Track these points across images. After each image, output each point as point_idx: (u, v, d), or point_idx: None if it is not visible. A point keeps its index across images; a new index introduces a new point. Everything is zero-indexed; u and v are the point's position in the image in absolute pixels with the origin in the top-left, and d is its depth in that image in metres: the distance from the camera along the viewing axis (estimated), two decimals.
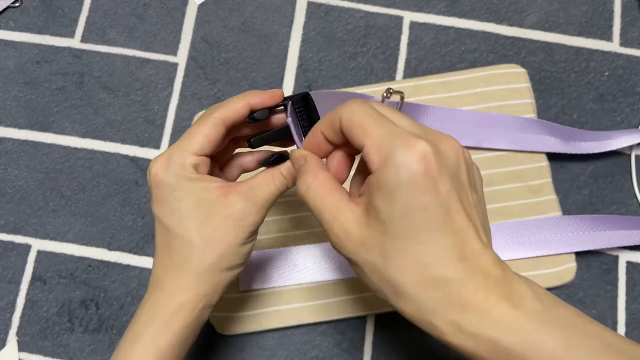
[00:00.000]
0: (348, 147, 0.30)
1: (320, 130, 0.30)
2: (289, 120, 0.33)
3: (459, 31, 0.53)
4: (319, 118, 0.35)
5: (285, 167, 0.34)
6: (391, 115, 0.28)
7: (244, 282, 0.46)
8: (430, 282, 0.25)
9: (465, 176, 0.27)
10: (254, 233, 0.34)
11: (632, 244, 0.46)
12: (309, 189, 0.29)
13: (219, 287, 0.34)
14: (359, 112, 0.27)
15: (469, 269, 0.25)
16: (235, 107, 0.34)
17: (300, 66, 0.53)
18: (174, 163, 0.33)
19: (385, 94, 0.36)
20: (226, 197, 0.33)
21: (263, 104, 0.34)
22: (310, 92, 0.36)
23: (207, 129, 0.33)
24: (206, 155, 0.34)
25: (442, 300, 0.25)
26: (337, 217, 0.28)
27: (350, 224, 0.27)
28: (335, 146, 0.30)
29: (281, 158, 0.35)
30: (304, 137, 0.34)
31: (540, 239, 0.46)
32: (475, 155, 0.48)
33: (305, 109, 0.35)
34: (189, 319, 0.33)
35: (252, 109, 0.34)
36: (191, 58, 0.53)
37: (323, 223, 0.29)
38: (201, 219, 0.33)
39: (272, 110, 0.35)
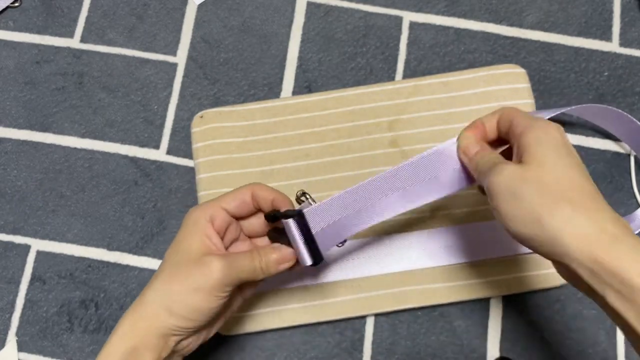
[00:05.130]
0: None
1: (482, 121, 0.37)
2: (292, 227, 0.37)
3: (458, 31, 0.53)
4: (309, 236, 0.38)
5: (265, 261, 0.37)
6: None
7: None
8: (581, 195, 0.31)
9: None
10: (199, 291, 0.34)
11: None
12: (473, 154, 0.36)
13: (151, 329, 0.34)
14: (515, 112, 0.35)
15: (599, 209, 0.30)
16: (265, 189, 0.38)
17: (299, 66, 0.53)
18: (197, 210, 0.37)
19: (299, 197, 0.40)
20: (205, 255, 0.35)
21: (278, 203, 0.38)
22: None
23: (238, 192, 0.38)
24: (229, 212, 0.37)
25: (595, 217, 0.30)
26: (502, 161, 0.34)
27: (509, 165, 0.33)
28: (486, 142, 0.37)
29: (281, 215, 0.37)
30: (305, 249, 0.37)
31: None
32: None
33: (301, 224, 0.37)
34: (125, 345, 0.34)
35: (272, 203, 0.38)
36: (191, 58, 0.53)
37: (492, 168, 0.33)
38: (176, 261, 0.36)
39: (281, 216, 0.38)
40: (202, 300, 0.34)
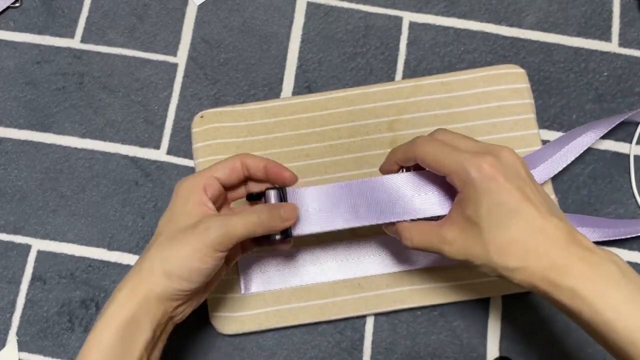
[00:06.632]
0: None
1: (395, 161, 0.39)
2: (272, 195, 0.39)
3: (458, 31, 0.53)
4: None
5: (262, 215, 0.37)
6: (452, 141, 0.37)
7: (245, 285, 0.46)
8: (523, 253, 0.33)
9: (524, 173, 0.35)
10: (197, 252, 0.35)
11: (627, 236, 0.46)
12: (414, 241, 0.38)
13: (150, 295, 0.35)
14: (430, 150, 0.36)
15: (547, 240, 0.33)
16: (254, 156, 0.39)
17: (299, 66, 0.53)
18: (189, 179, 0.38)
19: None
20: (201, 218, 0.36)
21: (271, 168, 0.39)
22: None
23: (227, 161, 0.39)
24: (220, 181, 0.38)
25: (535, 263, 0.33)
26: (443, 243, 0.36)
27: (454, 239, 0.35)
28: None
29: (259, 195, 0.39)
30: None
31: None
32: None
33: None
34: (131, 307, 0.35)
35: (264, 169, 0.39)
36: (191, 58, 0.53)
37: (437, 252, 0.36)
38: (171, 229, 0.36)
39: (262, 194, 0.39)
40: (200, 261, 0.35)
